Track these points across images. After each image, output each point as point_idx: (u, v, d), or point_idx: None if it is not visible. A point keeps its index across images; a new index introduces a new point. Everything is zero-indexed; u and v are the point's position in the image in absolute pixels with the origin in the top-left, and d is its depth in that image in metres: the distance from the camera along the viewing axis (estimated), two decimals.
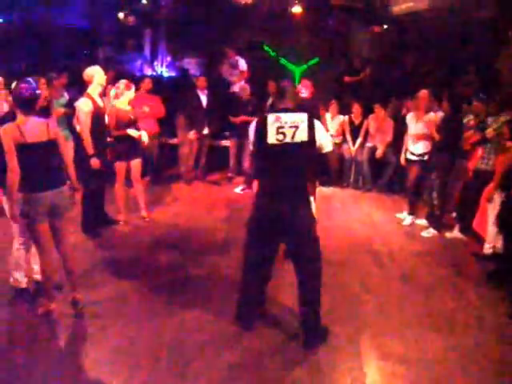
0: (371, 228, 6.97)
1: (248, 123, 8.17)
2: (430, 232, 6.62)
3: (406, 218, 7.16)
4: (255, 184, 8.15)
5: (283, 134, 3.72)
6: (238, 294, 4.25)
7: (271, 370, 3.69)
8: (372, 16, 11.20)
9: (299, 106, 3.94)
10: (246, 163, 8.89)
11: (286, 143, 3.71)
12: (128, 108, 6.53)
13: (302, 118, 3.75)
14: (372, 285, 5.13)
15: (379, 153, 8.58)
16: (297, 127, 3.72)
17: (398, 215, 7.34)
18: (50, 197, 4.08)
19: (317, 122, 3.83)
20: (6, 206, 4.43)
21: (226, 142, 10.03)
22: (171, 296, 4.74)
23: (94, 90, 6.01)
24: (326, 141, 3.86)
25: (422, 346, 4.04)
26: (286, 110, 3.81)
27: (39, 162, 4.03)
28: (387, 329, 4.28)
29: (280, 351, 3.91)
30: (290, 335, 4.09)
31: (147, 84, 8.70)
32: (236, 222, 6.81)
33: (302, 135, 3.72)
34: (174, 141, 9.50)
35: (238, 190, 8.71)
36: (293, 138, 3.71)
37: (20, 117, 3.99)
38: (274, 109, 3.97)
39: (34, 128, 4.00)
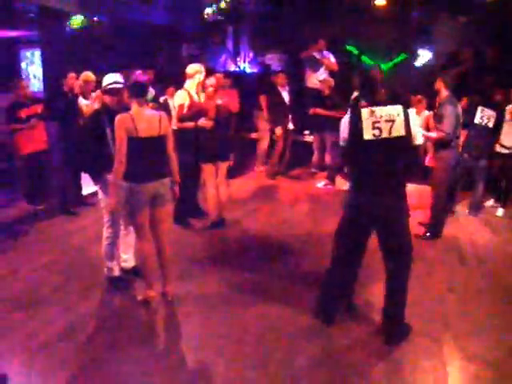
0: (456, 223, 6.87)
1: (327, 117, 8.40)
2: None
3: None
4: (338, 179, 8.33)
5: (379, 128, 3.62)
6: (322, 286, 4.28)
7: (352, 364, 3.74)
8: (459, 6, 10.85)
9: (392, 97, 3.82)
10: (328, 158, 8.93)
11: (383, 139, 3.63)
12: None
13: (397, 111, 3.65)
14: (456, 283, 5.08)
15: None
16: (393, 121, 3.62)
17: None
18: (153, 187, 4.27)
19: (411, 114, 3.75)
20: (101, 196, 4.72)
21: (307, 138, 10.13)
22: (254, 289, 4.87)
23: (191, 85, 6.24)
24: (418, 132, 3.79)
25: (505, 348, 3.97)
26: (380, 103, 3.71)
27: (147, 155, 4.22)
28: (471, 329, 4.23)
29: (362, 346, 3.96)
30: (372, 331, 4.12)
31: (224, 80, 8.84)
32: (318, 217, 6.92)
33: (399, 130, 3.63)
34: (253, 135, 9.68)
35: (320, 185, 8.77)
36: (390, 133, 3.63)
37: (134, 107, 4.19)
38: (365, 102, 3.81)
39: (147, 122, 4.19)
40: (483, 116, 6.95)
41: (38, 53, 11.17)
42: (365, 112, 3.67)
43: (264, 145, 9.55)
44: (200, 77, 6.28)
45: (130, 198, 4.24)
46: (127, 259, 5.09)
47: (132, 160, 4.12)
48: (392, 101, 3.75)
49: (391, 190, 3.77)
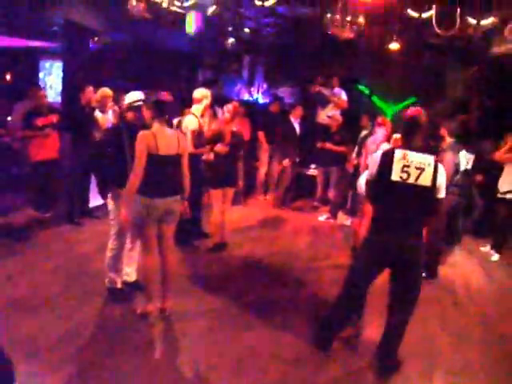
0: (452, 266, 6.98)
1: (334, 152, 8.59)
2: None
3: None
4: (340, 214, 8.45)
5: (407, 173, 3.69)
6: (325, 316, 4.37)
7: None
8: (469, 56, 11.11)
9: (427, 146, 3.86)
10: (332, 193, 9.08)
11: (409, 184, 3.70)
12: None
13: (428, 161, 3.72)
14: (449, 324, 5.16)
15: None
16: (422, 169, 3.69)
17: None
18: (166, 203, 4.41)
19: (440, 167, 3.78)
20: (111, 207, 4.84)
21: (312, 171, 10.32)
22: (252, 312, 4.94)
23: (198, 110, 6.35)
24: (443, 187, 3.82)
25: None
26: (412, 149, 3.75)
27: (164, 172, 4.36)
28: (461, 367, 4.30)
29: (353, 377, 4.03)
30: (365, 363, 4.18)
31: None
32: (318, 249, 7.03)
33: (425, 179, 3.70)
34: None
35: (322, 218, 8.89)
36: (416, 179, 3.69)
37: (156, 125, 4.35)
38: (403, 144, 3.89)
39: (167, 140, 4.35)
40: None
41: (57, 64, 11.43)
42: (398, 153, 3.76)
43: (262, 174, 9.83)
44: (207, 102, 6.39)
45: (143, 212, 4.35)
46: (130, 273, 5.18)
47: (149, 175, 4.26)
48: (426, 150, 3.82)
49: (411, 231, 3.84)
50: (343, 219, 8.74)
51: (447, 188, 5.97)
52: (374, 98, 11.98)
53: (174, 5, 7.66)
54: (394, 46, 10.34)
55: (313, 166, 10.48)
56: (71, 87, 8.32)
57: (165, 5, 7.52)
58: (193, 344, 4.33)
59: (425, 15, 7.39)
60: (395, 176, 3.72)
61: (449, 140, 6.21)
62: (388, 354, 4.06)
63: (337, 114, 9.75)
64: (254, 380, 3.87)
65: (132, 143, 4.38)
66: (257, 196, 9.95)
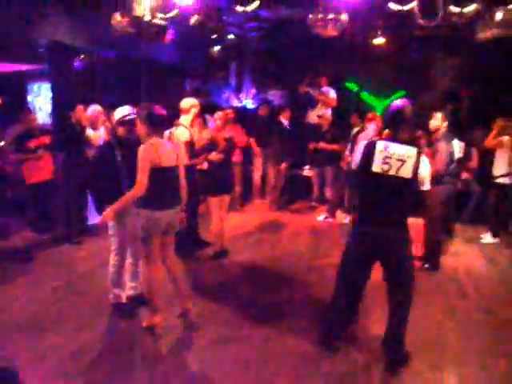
0: (453, 255, 7.01)
1: (327, 151, 8.63)
2: None
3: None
4: (338, 213, 8.48)
5: (389, 164, 3.72)
6: (325, 316, 4.39)
7: None
8: (456, 45, 11.15)
9: (411, 138, 3.86)
10: (329, 192, 9.10)
11: (390, 175, 3.73)
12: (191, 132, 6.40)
13: (410, 153, 3.73)
14: (455, 314, 5.17)
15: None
16: (404, 161, 3.71)
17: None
18: (170, 215, 4.46)
19: (424, 160, 3.79)
20: (110, 223, 4.80)
21: (307, 172, 10.35)
22: (258, 317, 4.95)
23: (187, 120, 6.31)
24: (426, 179, 3.82)
25: (506, 376, 4.05)
26: (396, 141, 3.79)
27: (166, 184, 4.40)
28: (470, 357, 4.31)
29: (363, 373, 4.03)
30: (373, 358, 4.19)
31: (229, 114, 9.07)
32: (319, 249, 7.06)
33: (406, 171, 3.71)
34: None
35: (320, 218, 8.90)
36: (397, 171, 3.72)
37: (154, 139, 4.35)
38: (389, 136, 3.91)
39: (167, 152, 4.38)
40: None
41: (44, 86, 11.45)
42: (380, 144, 3.80)
43: (257, 178, 9.89)
44: (195, 111, 6.36)
45: (148, 226, 4.36)
46: (134, 287, 5.17)
47: (153, 188, 4.27)
48: (410, 142, 3.84)
49: (393, 222, 3.86)
50: (342, 217, 8.76)
51: (443, 177, 6.07)
52: (363, 94, 12.00)
53: (156, 17, 7.65)
54: (379, 40, 10.38)
55: (307, 166, 10.51)
56: (60, 107, 8.34)
57: (147, 18, 7.52)
58: (202, 353, 4.33)
59: (407, 7, 7.39)
60: (376, 167, 3.76)
61: (442, 129, 6.22)
62: (393, 347, 4.05)
63: (326, 112, 9.79)
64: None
65: (125, 158, 4.41)
66: (254, 201, 9.95)
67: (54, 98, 8.87)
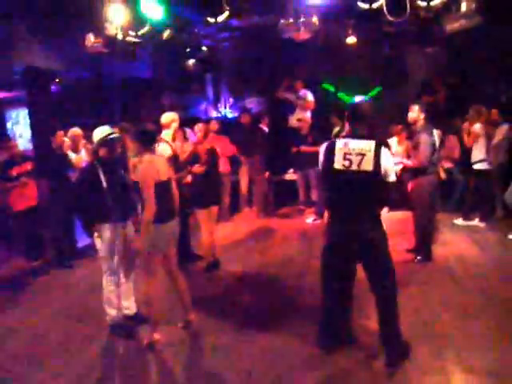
0: (444, 245, 7.08)
1: (310, 154, 8.68)
2: None
3: None
4: (326, 213, 8.50)
5: (349, 160, 3.78)
6: (320, 316, 4.39)
7: None
8: (426, 38, 11.27)
9: (370, 133, 3.93)
10: (315, 194, 9.15)
11: (352, 171, 3.78)
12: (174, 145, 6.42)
13: (369, 147, 3.77)
14: (451, 301, 5.21)
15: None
16: (363, 155, 3.75)
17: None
18: (172, 227, 4.58)
19: (384, 151, 3.80)
20: (98, 245, 4.83)
21: (290, 176, 10.40)
22: (256, 324, 4.96)
23: (168, 135, 6.30)
24: (390, 170, 3.84)
25: (508, 359, 4.07)
26: (355, 137, 3.88)
27: (167, 196, 4.51)
28: (470, 344, 4.34)
29: (365, 369, 4.05)
30: (373, 354, 4.20)
31: (214, 125, 9.11)
32: (311, 252, 7.04)
33: (367, 164, 3.75)
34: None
35: (309, 220, 8.94)
36: (358, 166, 3.76)
37: (148, 155, 4.46)
38: (345, 133, 4.04)
39: (162, 166, 4.51)
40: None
41: (22, 112, 11.40)
42: (339, 142, 3.89)
43: (244, 187, 9.85)
44: (175, 125, 6.36)
45: (154, 239, 4.42)
46: (128, 306, 5.15)
47: (156, 202, 4.34)
48: (369, 136, 3.89)
49: (363, 219, 3.89)
50: None
51: (427, 168, 6.14)
52: (341, 94, 12.07)
53: (128, 35, 7.67)
54: (351, 39, 10.47)
55: (291, 170, 10.55)
56: (40, 133, 8.33)
57: (120, 36, 7.53)
58: (204, 363, 4.36)
59: (375, 5, 7.47)
60: (338, 164, 3.82)
61: (421, 121, 6.29)
62: (391, 342, 4.05)
63: (306, 115, 9.86)
64: None
65: (108, 178, 4.54)
66: (242, 210, 9.95)
67: (32, 124, 8.84)
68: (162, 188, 4.44)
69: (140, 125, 4.54)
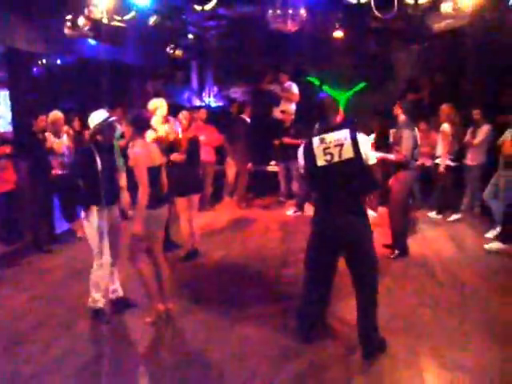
0: (420, 240, 7.19)
1: (292, 146, 8.70)
2: None
3: None
4: (307, 206, 8.53)
5: (330, 154, 3.83)
6: (298, 308, 4.45)
7: (334, 380, 3.86)
8: (412, 35, 11.34)
9: (341, 123, 4.04)
10: (295, 186, 9.17)
11: (335, 162, 3.83)
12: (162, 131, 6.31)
13: (344, 136, 3.84)
14: (428, 297, 5.27)
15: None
16: (342, 145, 3.82)
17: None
18: (164, 211, 4.73)
19: (360, 136, 3.88)
20: (88, 228, 4.80)
21: (272, 167, 10.41)
22: (234, 314, 4.97)
23: (156, 121, 6.26)
24: (370, 153, 3.92)
25: (480, 355, 4.14)
26: (329, 130, 3.93)
27: (158, 182, 4.64)
28: (446, 339, 4.38)
29: (342, 361, 4.07)
30: (350, 346, 4.23)
31: (202, 114, 9.09)
32: (290, 243, 7.09)
33: (347, 152, 3.81)
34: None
35: (289, 212, 8.95)
36: (340, 156, 3.82)
37: (140, 141, 4.57)
38: (319, 128, 4.07)
39: (154, 152, 4.61)
40: None
41: (3, 93, 11.22)
42: (315, 140, 3.92)
43: (230, 176, 9.81)
44: (162, 110, 6.33)
45: (149, 223, 4.51)
46: (115, 289, 5.14)
47: (151, 188, 4.45)
48: (341, 126, 3.96)
49: (351, 210, 3.94)
50: (310, 210, 8.78)
51: (407, 164, 6.19)
52: (325, 88, 12.08)
53: (114, 19, 7.58)
54: (338, 33, 10.50)
55: (273, 162, 10.56)
56: (20, 115, 8.22)
57: (105, 20, 7.45)
58: (178, 350, 4.35)
59: (363, 0, 7.48)
60: (320, 161, 3.87)
61: (402, 117, 6.35)
62: (368, 335, 4.10)
63: (289, 107, 9.86)
64: (245, 380, 3.88)
65: (104, 162, 4.66)
66: (223, 199, 9.93)
67: (13, 106, 8.73)
68: (154, 173, 4.53)
69: (134, 111, 4.55)
